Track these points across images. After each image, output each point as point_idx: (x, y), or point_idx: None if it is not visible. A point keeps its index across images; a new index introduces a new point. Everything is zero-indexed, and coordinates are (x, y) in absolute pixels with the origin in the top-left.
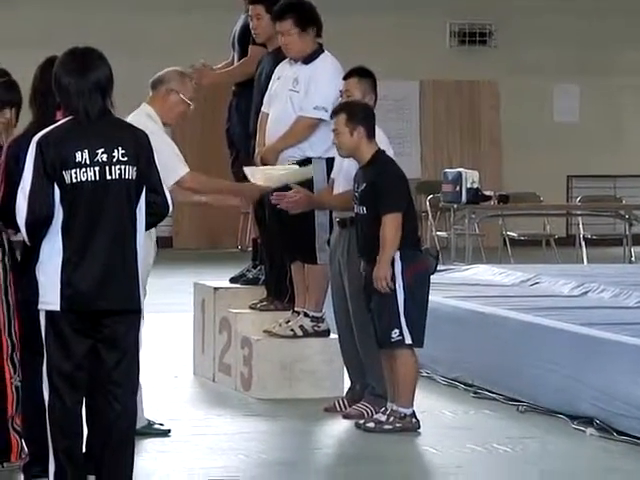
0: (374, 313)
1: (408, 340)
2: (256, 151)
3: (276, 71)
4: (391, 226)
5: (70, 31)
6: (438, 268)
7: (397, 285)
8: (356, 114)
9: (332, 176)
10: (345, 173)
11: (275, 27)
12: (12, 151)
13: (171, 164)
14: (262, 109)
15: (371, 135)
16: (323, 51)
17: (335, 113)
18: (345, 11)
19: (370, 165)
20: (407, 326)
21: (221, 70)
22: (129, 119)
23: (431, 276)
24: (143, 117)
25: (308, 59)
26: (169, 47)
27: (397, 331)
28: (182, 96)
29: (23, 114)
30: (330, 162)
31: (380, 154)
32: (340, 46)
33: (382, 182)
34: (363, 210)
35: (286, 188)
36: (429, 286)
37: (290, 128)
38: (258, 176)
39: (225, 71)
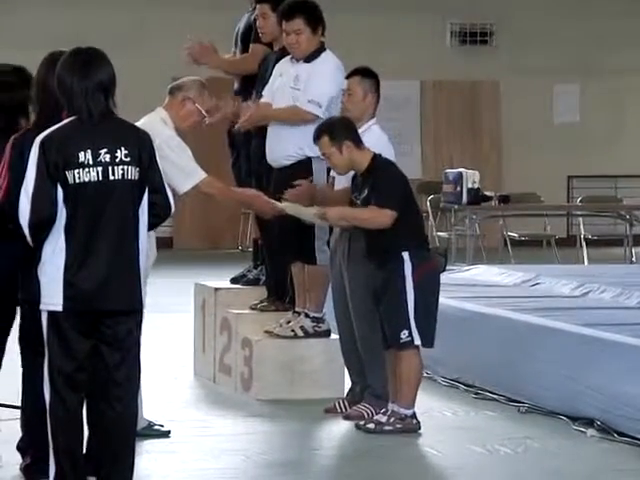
0: (383, 314)
1: (417, 341)
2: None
3: (277, 68)
4: (377, 213)
5: (72, 32)
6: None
7: (407, 286)
8: (336, 131)
9: (332, 174)
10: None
11: (282, 26)
12: (17, 147)
13: (189, 168)
14: (262, 100)
15: (359, 143)
16: (325, 49)
17: (316, 139)
18: (346, 11)
19: (370, 171)
20: (417, 327)
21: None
22: (142, 122)
23: (440, 275)
24: (158, 121)
25: (310, 57)
26: (169, 47)
27: (406, 332)
28: (198, 106)
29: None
30: None
31: (377, 158)
32: (341, 46)
33: (382, 183)
34: None
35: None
36: (439, 285)
37: (283, 108)
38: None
39: (226, 59)
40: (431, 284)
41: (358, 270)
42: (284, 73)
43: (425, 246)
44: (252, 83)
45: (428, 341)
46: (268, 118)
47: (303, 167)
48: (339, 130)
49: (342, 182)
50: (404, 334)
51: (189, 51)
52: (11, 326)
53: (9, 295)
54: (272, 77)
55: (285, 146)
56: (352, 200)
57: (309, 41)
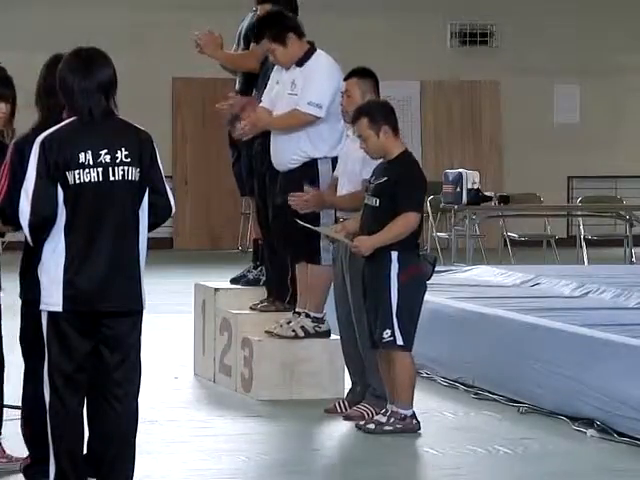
0: (369, 312)
1: (400, 341)
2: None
3: (273, 75)
4: (405, 222)
5: (72, 32)
6: (440, 269)
7: (392, 286)
8: (377, 114)
9: (335, 174)
10: (349, 174)
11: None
12: (18, 148)
13: None
14: (261, 105)
15: (396, 131)
16: (315, 50)
17: (355, 119)
18: (346, 11)
19: (396, 161)
20: (399, 327)
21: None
22: None
23: (427, 281)
24: None
25: (301, 61)
26: (169, 47)
27: (389, 332)
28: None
29: (31, 113)
30: (335, 161)
31: (408, 153)
32: (341, 46)
33: (408, 180)
34: (375, 202)
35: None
36: (424, 291)
37: (283, 114)
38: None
39: (228, 53)
40: (416, 288)
41: (359, 268)
42: (280, 80)
43: (415, 250)
44: (253, 82)
45: (408, 343)
46: (269, 127)
47: (309, 169)
48: (379, 114)
49: (345, 186)
50: (386, 334)
51: (197, 39)
52: None
53: None
54: (269, 84)
55: (290, 149)
56: (367, 187)
57: (285, 54)
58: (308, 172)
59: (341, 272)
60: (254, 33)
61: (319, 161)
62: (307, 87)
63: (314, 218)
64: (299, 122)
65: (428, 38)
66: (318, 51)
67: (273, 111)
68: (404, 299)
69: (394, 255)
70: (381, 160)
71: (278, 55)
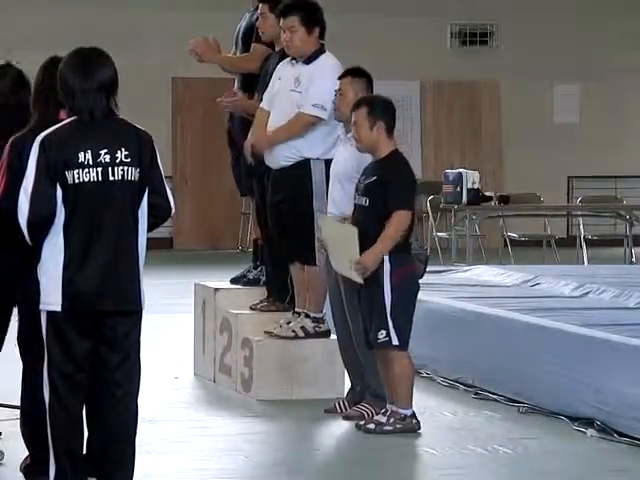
0: (363, 313)
1: (395, 341)
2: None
3: (276, 71)
4: (397, 221)
5: (71, 32)
6: (440, 269)
7: (385, 286)
8: (377, 108)
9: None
10: (337, 173)
11: (279, 24)
12: (16, 147)
13: None
14: (261, 105)
15: (390, 131)
16: (324, 51)
17: (356, 106)
18: (346, 11)
19: (385, 161)
20: (394, 327)
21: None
22: None
23: (419, 280)
24: None
25: (309, 59)
26: (169, 47)
27: (384, 332)
28: None
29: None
30: (329, 164)
31: (398, 153)
32: (341, 46)
33: (397, 179)
34: (365, 202)
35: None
36: (418, 289)
37: (287, 122)
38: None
39: (228, 56)
40: (409, 287)
41: None
42: (283, 76)
43: (407, 250)
44: (252, 83)
45: (404, 343)
46: (275, 142)
47: (301, 168)
48: (380, 108)
49: (334, 185)
50: (381, 334)
51: (193, 47)
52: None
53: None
54: (271, 81)
55: (284, 147)
56: (356, 186)
57: (303, 41)
58: (300, 171)
59: (334, 273)
60: (253, 33)
61: (312, 161)
62: (312, 88)
63: (305, 218)
64: (305, 125)
65: (428, 38)
66: (327, 52)
67: (271, 110)
68: (398, 299)
69: (386, 256)
70: (370, 159)
71: (296, 37)
